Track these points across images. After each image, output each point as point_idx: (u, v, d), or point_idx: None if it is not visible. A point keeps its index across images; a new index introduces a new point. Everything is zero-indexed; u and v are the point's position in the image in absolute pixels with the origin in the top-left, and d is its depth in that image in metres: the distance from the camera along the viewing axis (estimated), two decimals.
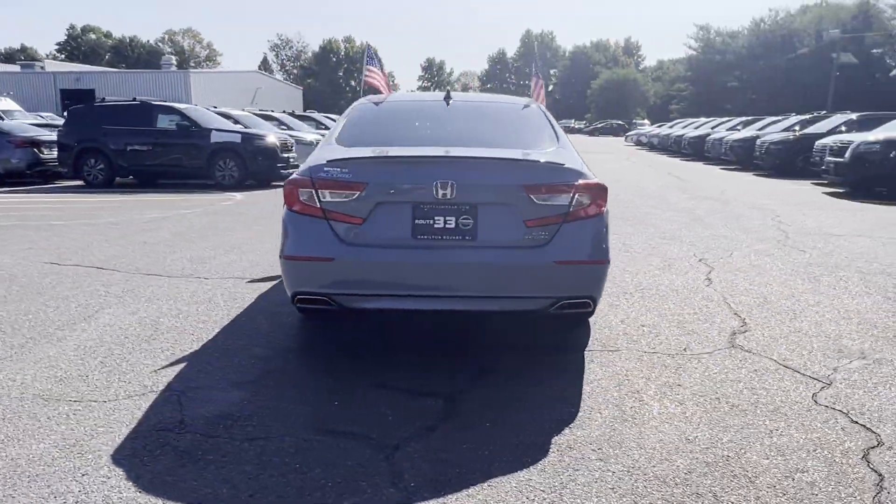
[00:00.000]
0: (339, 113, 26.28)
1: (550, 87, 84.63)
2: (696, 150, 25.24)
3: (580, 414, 2.91)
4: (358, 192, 3.21)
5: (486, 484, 2.35)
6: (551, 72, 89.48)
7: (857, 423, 2.82)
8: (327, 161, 3.32)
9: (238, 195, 11.45)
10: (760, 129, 20.69)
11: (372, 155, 3.40)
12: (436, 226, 3.20)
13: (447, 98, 4.34)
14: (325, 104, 69.05)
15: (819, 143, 14.35)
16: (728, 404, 3.01)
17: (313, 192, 3.27)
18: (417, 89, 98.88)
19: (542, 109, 4.35)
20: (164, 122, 13.01)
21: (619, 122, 60.70)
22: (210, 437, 2.66)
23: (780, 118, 22.16)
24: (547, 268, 3.19)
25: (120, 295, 4.78)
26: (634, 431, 2.74)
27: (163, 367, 3.40)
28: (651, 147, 34.07)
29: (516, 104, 4.54)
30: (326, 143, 3.79)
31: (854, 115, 17.09)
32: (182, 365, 3.44)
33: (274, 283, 5.18)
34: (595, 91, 76.53)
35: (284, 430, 2.73)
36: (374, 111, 4.35)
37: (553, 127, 4.03)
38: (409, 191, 3.20)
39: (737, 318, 4.34)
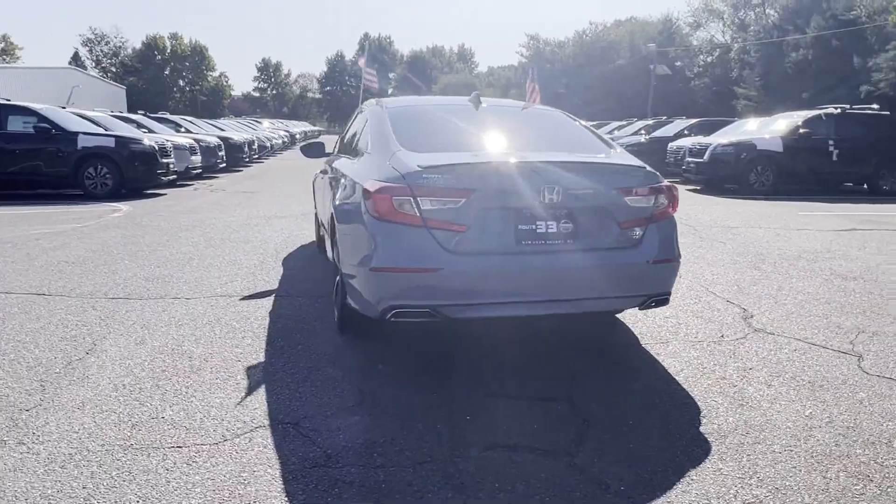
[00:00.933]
0: (172, 113, 24.43)
1: (390, 91, 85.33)
2: None
3: (701, 403, 3.08)
4: (463, 199, 3.12)
5: (685, 479, 2.43)
6: (390, 75, 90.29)
7: None
8: (425, 167, 3.18)
9: (120, 206, 10.32)
10: (609, 134, 22.67)
11: (479, 161, 3.32)
12: (538, 231, 3.21)
13: (476, 102, 4.32)
14: (151, 104, 63.92)
15: (674, 144, 16.02)
16: (803, 381, 3.35)
17: (412, 199, 3.12)
18: (254, 91, 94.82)
19: (567, 115, 4.49)
20: (16, 124, 11.35)
21: None
22: (377, 468, 2.46)
23: (624, 123, 24.47)
24: (642, 267, 3.33)
25: (103, 323, 4.17)
26: (759, 414, 2.96)
27: (244, 399, 3.06)
28: None
29: (546, 109, 4.64)
30: (387, 149, 3.60)
31: (693, 120, 19.27)
32: (263, 394, 3.11)
33: (269, 297, 4.81)
34: (437, 94, 78.42)
35: (447, 452, 2.60)
36: (413, 114, 4.21)
37: (593, 131, 4.18)
38: (515, 196, 3.17)
39: (733, 305, 4.79)
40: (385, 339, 3.90)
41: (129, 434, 2.71)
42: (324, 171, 5.80)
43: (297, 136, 37.92)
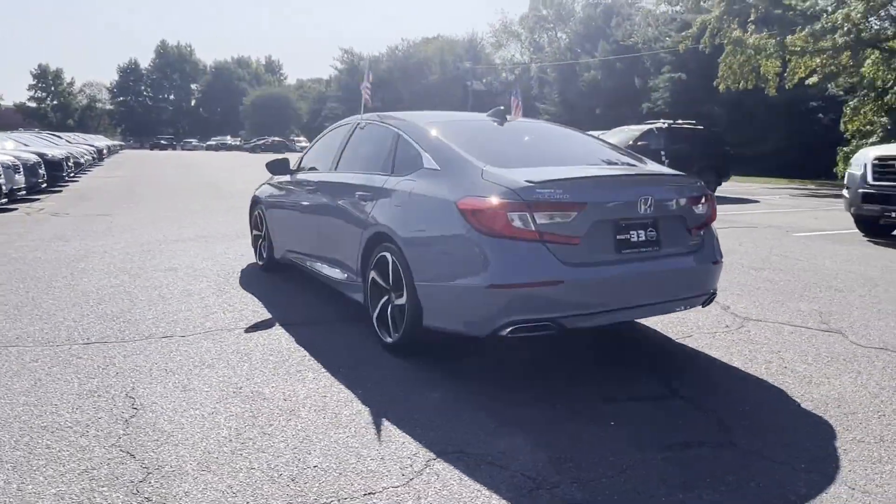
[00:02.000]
0: None
1: (193, 102, 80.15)
2: None
3: (776, 382, 3.48)
4: (576, 213, 3.22)
5: (833, 443, 2.77)
6: (192, 86, 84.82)
7: None
8: (538, 182, 3.21)
9: None
10: None
11: (588, 175, 3.40)
12: (632, 240, 3.40)
13: (502, 117, 4.42)
14: None
15: None
16: (828, 357, 3.92)
17: (528, 214, 3.15)
18: (29, 101, 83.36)
19: (582, 131, 4.74)
20: None
21: (279, 138, 60.96)
22: (586, 482, 2.48)
23: None
24: (707, 268, 3.68)
25: (113, 373, 3.57)
26: (830, 388, 3.42)
27: (381, 434, 2.85)
28: None
29: (559, 126, 4.82)
30: (466, 165, 3.55)
31: None
32: (396, 427, 2.93)
33: (274, 327, 4.44)
34: (248, 107, 75.25)
35: (628, 457, 2.68)
36: (460, 130, 4.15)
37: (614, 145, 4.47)
38: (617, 208, 3.34)
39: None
40: (455, 359, 3.82)
41: (297, 489, 2.42)
42: (289, 190, 5.47)
43: (104, 152, 34.19)
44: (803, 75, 23.63)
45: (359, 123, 4.83)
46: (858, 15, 19.92)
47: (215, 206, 12.47)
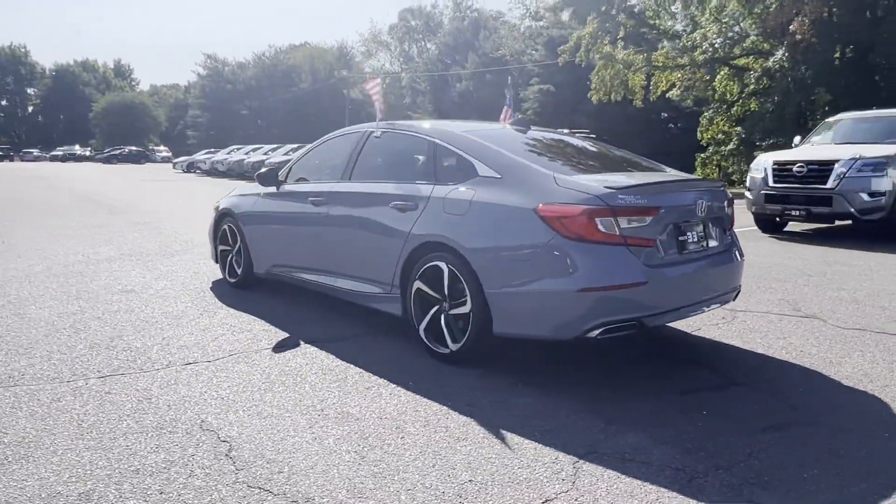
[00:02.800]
0: None
1: (31, 109, 72.50)
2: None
3: (800, 363, 3.86)
4: (652, 217, 3.39)
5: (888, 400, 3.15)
6: (29, 91, 76.68)
7: None
8: (620, 188, 3.35)
9: None
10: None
11: (661, 181, 3.57)
12: (689, 241, 3.64)
13: (525, 127, 4.52)
14: None
15: None
16: (829, 336, 4.40)
17: (612, 219, 3.28)
18: None
19: (595, 139, 4.96)
20: None
21: (137, 148, 56.62)
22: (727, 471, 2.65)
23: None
24: (739, 264, 4.02)
25: (161, 405, 3.25)
26: (885, 370, 3.84)
27: (542, 448, 2.85)
28: (220, 174, 32.74)
29: (572, 136, 4.99)
30: (535, 173, 3.63)
31: None
32: (544, 441, 2.93)
33: (301, 346, 4.23)
34: (98, 115, 69.03)
35: (747, 438, 2.89)
36: (502, 139, 4.19)
37: (627, 152, 4.72)
38: (681, 211, 3.56)
39: None
40: (507, 366, 3.86)
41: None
42: (279, 202, 5.23)
43: None
44: (665, 88, 25.96)
45: (372, 132, 4.72)
46: (714, 35, 22.19)
47: (113, 222, 11.45)
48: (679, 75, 25.23)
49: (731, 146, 23.01)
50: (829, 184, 8.75)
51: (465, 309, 3.68)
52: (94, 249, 8.26)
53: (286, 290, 5.65)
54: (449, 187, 3.89)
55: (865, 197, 8.58)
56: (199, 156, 36.63)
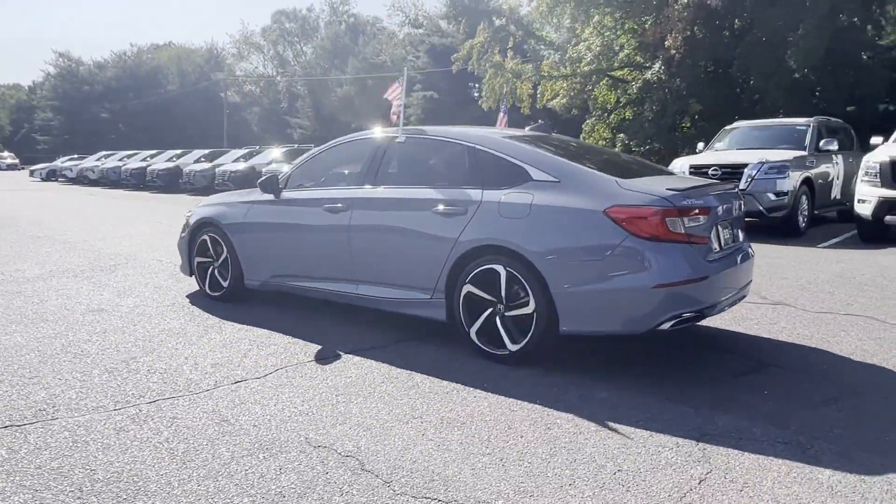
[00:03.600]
0: None
1: None
2: (140, 181, 25.77)
3: (834, 347, 4.33)
4: (706, 216, 3.68)
5: None
6: None
7: None
8: (683, 190, 3.61)
9: None
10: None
11: (711, 184, 3.83)
12: (724, 238, 3.97)
13: (547, 132, 4.68)
14: None
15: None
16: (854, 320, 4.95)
17: (679, 219, 3.53)
18: None
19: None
20: None
21: None
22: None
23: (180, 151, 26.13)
24: (753, 260, 4.42)
25: (244, 424, 3.07)
26: (876, 347, 4.36)
27: (659, 435, 2.99)
28: (91, 182, 29.78)
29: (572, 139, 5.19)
30: (594, 177, 3.80)
31: (284, 148, 21.20)
32: (655, 428, 3.08)
33: (343, 357, 4.12)
34: None
35: (818, 412, 3.23)
36: (540, 143, 4.30)
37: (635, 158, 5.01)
38: (722, 211, 3.87)
39: None
40: (558, 365, 3.99)
41: (644, 490, 2.49)
42: (284, 209, 5.05)
43: None
44: (550, 97, 27.34)
45: (394, 138, 4.67)
46: (598, 48, 23.69)
47: (7, 236, 10.28)
48: (564, 85, 26.67)
49: (618, 149, 24.60)
50: (741, 185, 9.71)
51: (528, 310, 3.78)
52: (13, 267, 7.41)
53: (279, 300, 5.43)
54: (501, 191, 3.97)
55: (772, 196, 9.61)
56: (63, 162, 33.43)
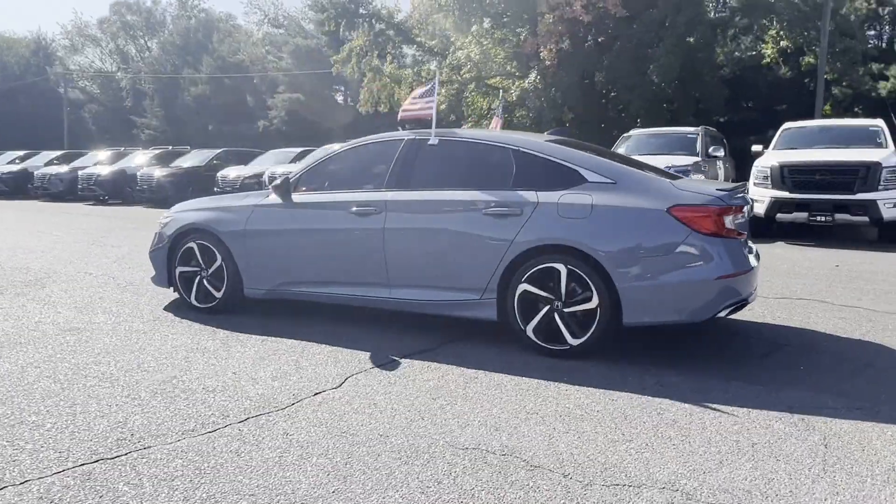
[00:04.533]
0: None
1: None
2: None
3: (829, 327, 4.93)
4: (744, 214, 4.08)
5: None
6: None
7: None
8: (730, 190, 3.98)
9: None
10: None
11: (737, 185, 4.20)
12: (745, 234, 4.42)
13: (566, 136, 4.88)
14: None
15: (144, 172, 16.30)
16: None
17: (731, 216, 3.89)
18: None
19: None
20: None
21: None
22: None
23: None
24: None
25: (370, 435, 2.98)
26: (849, 324, 5.01)
27: (759, 414, 3.27)
28: None
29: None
30: (651, 179, 4.08)
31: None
32: (745, 410, 3.36)
33: (404, 363, 4.06)
34: None
35: (852, 381, 3.73)
36: (574, 146, 4.47)
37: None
38: (746, 210, 4.29)
39: None
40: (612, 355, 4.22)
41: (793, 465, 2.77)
42: (297, 213, 4.86)
43: None
44: None
45: (427, 141, 4.64)
46: (477, 57, 24.52)
47: None
48: (443, 91, 27.27)
49: None
50: None
51: (591, 305, 3.96)
52: None
53: (274, 310, 5.19)
54: (558, 193, 4.12)
55: None
56: None
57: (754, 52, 27.51)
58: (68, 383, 3.63)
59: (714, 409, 3.31)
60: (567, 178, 4.17)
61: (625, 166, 4.27)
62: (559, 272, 4.02)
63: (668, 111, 25.11)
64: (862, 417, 3.21)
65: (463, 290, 4.35)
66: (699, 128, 12.55)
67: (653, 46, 22.23)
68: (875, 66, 29.03)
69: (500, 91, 26.29)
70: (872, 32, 29.60)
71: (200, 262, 5.21)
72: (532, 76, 23.54)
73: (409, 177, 4.60)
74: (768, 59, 29.09)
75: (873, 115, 14.69)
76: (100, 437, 2.96)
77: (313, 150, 17.65)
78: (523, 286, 4.13)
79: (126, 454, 2.80)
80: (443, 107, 27.40)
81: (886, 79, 28.93)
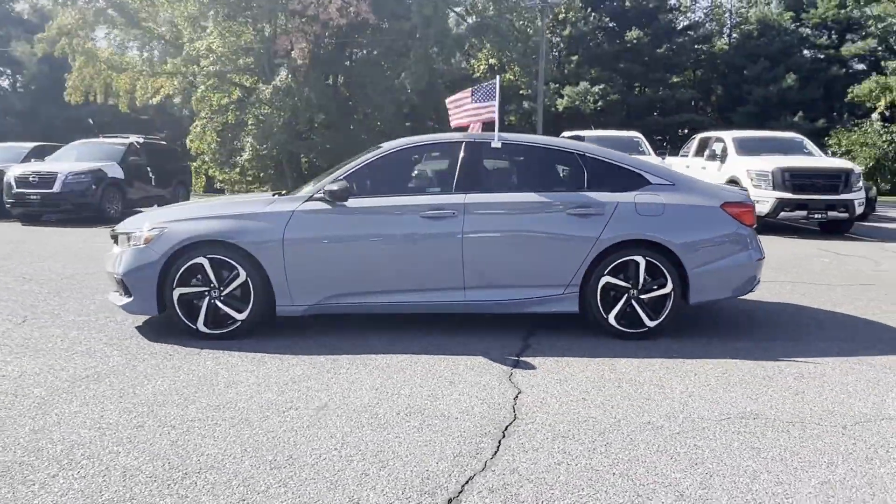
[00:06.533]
0: None
1: None
2: None
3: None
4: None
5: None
6: None
7: None
8: (745, 190, 4.87)
9: None
10: None
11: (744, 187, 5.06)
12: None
13: (581, 140, 5.33)
14: None
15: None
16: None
17: (753, 211, 4.84)
18: None
19: None
20: None
21: None
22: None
23: None
24: None
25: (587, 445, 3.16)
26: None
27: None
28: None
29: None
30: (697, 179, 4.77)
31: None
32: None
33: (505, 360, 4.14)
34: None
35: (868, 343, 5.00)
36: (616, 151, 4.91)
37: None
38: None
39: None
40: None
41: None
42: (357, 221, 4.51)
43: None
44: (152, 94, 25.16)
45: (488, 143, 4.65)
46: (220, 49, 22.92)
47: None
48: (175, 83, 24.88)
49: (247, 156, 24.26)
50: None
51: (666, 290, 4.55)
52: None
53: (310, 325, 4.69)
54: (632, 194, 4.59)
55: None
56: None
57: (464, 66, 30.97)
58: (209, 428, 2.93)
59: (806, 364, 4.20)
60: (634, 180, 4.69)
61: (675, 171, 4.96)
62: (638, 263, 4.53)
63: (409, 117, 26.84)
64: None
65: (545, 287, 4.56)
66: (639, 134, 14.58)
67: (402, 55, 23.52)
68: (553, 86, 35.00)
69: (244, 87, 25.00)
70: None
71: (212, 279, 4.39)
72: (283, 74, 22.93)
73: (480, 179, 4.61)
74: (479, 74, 32.86)
75: (553, 129, 18.14)
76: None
77: (59, 145, 14.80)
78: (605, 278, 4.53)
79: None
80: (177, 100, 25.04)
81: (563, 97, 35.10)
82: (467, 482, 2.59)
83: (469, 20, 25.40)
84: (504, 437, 3.01)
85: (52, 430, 2.99)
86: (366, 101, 24.65)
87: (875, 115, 30.95)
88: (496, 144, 4.72)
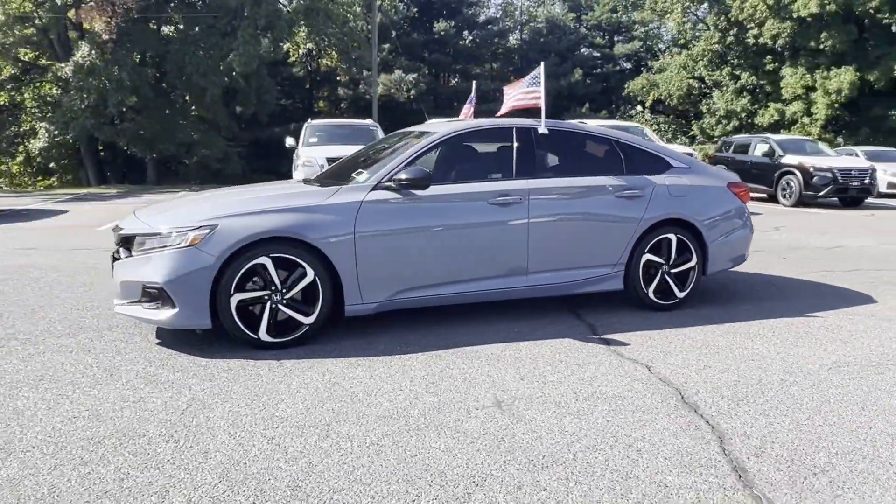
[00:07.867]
0: None
1: None
2: None
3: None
4: None
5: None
6: None
7: None
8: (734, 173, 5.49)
9: None
10: None
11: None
12: None
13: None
14: None
15: None
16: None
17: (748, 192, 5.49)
18: None
19: None
20: None
21: None
22: None
23: None
24: None
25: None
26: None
27: None
28: None
29: None
30: (702, 164, 5.26)
31: None
32: None
33: (591, 339, 4.31)
34: None
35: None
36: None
37: None
38: None
39: None
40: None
41: None
42: (427, 210, 4.29)
43: None
44: None
45: (535, 129, 4.62)
46: None
47: None
48: None
49: (41, 143, 20.88)
50: None
51: (691, 263, 4.99)
52: None
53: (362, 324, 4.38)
54: (661, 177, 4.94)
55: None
56: None
57: (271, 50, 29.71)
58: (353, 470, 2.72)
59: (821, 319, 4.91)
60: (659, 164, 5.05)
61: (686, 154, 5.40)
62: (670, 240, 4.92)
63: (234, 102, 25.09)
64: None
65: (597, 267, 4.75)
66: (372, 121, 13.76)
67: (227, 35, 21.84)
68: (366, 73, 35.03)
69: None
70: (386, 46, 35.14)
71: (276, 281, 3.88)
72: (85, 50, 20.07)
73: (535, 165, 4.63)
74: (293, 58, 31.82)
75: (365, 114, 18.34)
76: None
77: None
78: (646, 256, 4.85)
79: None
80: None
81: (378, 85, 35.27)
82: (724, 452, 2.69)
83: (296, 1, 24.32)
84: (697, 407, 3.16)
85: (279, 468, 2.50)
86: (185, 84, 22.55)
87: (639, 108, 35.97)
88: (543, 130, 4.77)
